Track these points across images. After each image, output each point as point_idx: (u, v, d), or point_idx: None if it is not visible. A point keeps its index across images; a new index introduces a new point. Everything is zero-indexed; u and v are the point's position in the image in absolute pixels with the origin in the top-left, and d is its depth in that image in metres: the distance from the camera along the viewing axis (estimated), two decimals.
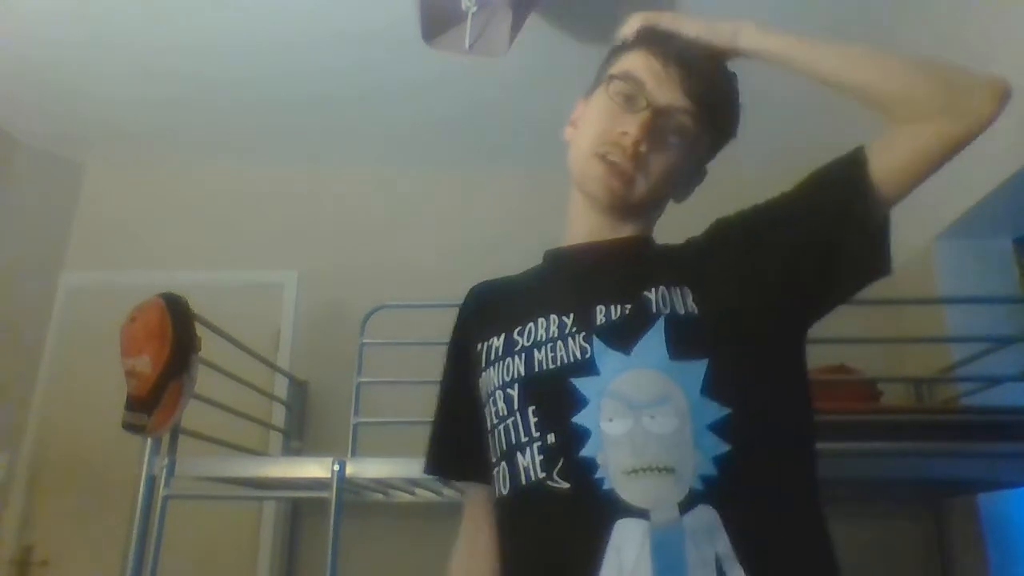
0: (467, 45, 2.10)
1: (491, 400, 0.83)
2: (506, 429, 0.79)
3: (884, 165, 0.88)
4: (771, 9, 2.30)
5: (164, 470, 1.85)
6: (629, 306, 0.79)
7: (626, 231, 0.90)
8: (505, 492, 0.78)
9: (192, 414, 1.92)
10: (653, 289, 0.79)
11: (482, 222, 3.06)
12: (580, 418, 0.73)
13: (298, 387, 2.88)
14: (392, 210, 3.21)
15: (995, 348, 2.25)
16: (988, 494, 2.46)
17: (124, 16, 2.36)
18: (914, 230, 2.87)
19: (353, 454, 2.22)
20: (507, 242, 2.19)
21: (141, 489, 1.84)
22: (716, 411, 0.72)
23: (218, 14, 2.35)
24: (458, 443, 0.92)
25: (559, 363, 0.77)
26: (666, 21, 0.90)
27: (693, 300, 0.78)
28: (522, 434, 0.77)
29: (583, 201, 0.90)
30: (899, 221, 3.24)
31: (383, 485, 2.31)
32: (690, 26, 0.89)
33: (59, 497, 2.81)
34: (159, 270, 2.99)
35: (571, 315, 0.80)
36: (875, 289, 3.17)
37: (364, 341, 2.44)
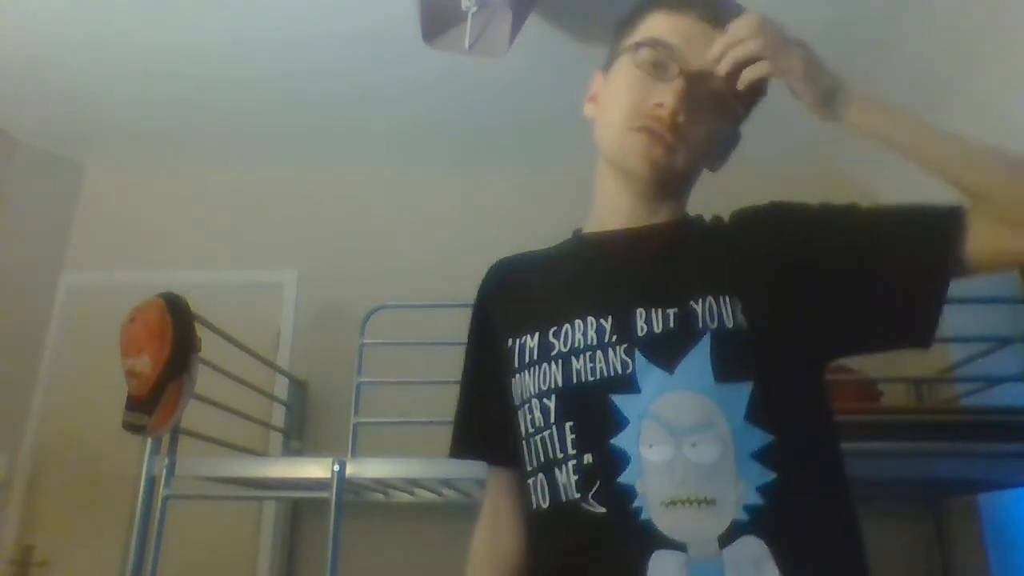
0: (467, 45, 2.10)
1: (527, 407, 0.79)
2: (543, 441, 0.76)
3: (978, 247, 0.75)
4: (769, 6, 2.30)
5: (164, 470, 1.86)
6: (673, 312, 0.74)
7: (663, 211, 0.85)
8: (545, 506, 0.75)
9: (192, 414, 1.92)
10: (700, 300, 0.74)
11: (482, 222, 3.06)
12: (619, 440, 0.70)
13: (298, 387, 2.88)
14: (392, 210, 3.21)
15: (995, 348, 2.25)
16: (988, 494, 2.46)
17: (124, 16, 2.35)
18: None
19: (353, 454, 2.22)
20: (507, 242, 2.19)
21: (141, 489, 1.84)
22: (760, 438, 0.69)
23: (218, 14, 2.35)
24: (485, 425, 0.88)
25: (599, 376, 0.73)
26: (773, 37, 0.79)
27: (742, 311, 0.73)
28: (559, 450, 0.74)
29: (617, 179, 0.85)
30: None
31: (383, 485, 2.31)
32: (794, 55, 0.80)
33: (59, 497, 2.81)
34: (159, 270, 2.99)
35: (609, 318, 0.76)
36: None
37: (364, 341, 2.44)
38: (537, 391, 0.77)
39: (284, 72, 2.65)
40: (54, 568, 2.72)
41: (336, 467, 1.88)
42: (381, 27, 2.36)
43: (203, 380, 1.94)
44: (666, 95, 0.77)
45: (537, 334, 0.79)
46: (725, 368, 0.70)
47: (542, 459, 0.76)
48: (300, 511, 2.77)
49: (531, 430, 0.78)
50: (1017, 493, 2.40)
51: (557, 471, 0.73)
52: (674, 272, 0.79)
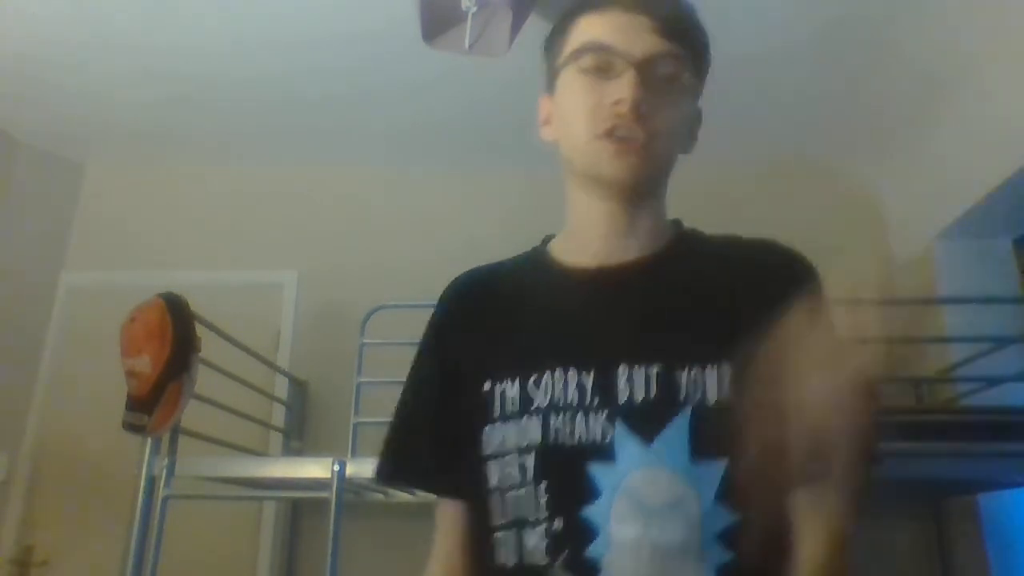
0: (467, 45, 2.10)
1: (502, 460, 0.76)
2: (516, 500, 0.74)
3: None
4: (771, 6, 2.30)
5: (164, 470, 1.86)
6: (656, 372, 0.72)
7: (644, 214, 0.81)
8: (510, 565, 0.74)
9: (192, 414, 1.92)
10: (685, 368, 0.72)
11: (482, 222, 3.06)
12: (590, 512, 0.70)
13: (298, 387, 2.88)
14: (392, 210, 3.21)
15: (995, 348, 2.25)
16: (988, 494, 2.46)
17: (124, 16, 2.35)
18: (914, 230, 2.88)
19: (353, 454, 2.22)
20: (507, 242, 2.19)
21: (141, 489, 1.84)
22: (726, 518, 0.68)
23: (218, 15, 2.35)
24: (441, 452, 0.83)
25: (577, 441, 0.72)
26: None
27: (730, 382, 0.71)
28: (531, 511, 0.73)
29: (591, 191, 0.80)
30: (899, 221, 3.26)
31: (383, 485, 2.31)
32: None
33: (59, 497, 2.81)
34: (159, 270, 2.99)
35: (591, 374, 0.73)
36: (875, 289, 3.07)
37: (364, 341, 2.44)
38: (516, 447, 0.75)
39: (284, 72, 2.65)
40: (54, 568, 2.72)
41: (336, 467, 1.88)
42: (381, 27, 2.36)
43: (203, 380, 1.94)
44: (621, 91, 0.74)
45: (517, 382, 0.76)
46: (703, 445, 0.70)
47: (512, 517, 0.74)
48: (300, 511, 2.77)
49: (504, 485, 0.75)
50: (1017, 493, 2.40)
51: (527, 532, 0.73)
52: (661, 327, 0.75)
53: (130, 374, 1.79)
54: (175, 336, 1.81)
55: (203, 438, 2.03)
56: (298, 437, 2.82)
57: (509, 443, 0.75)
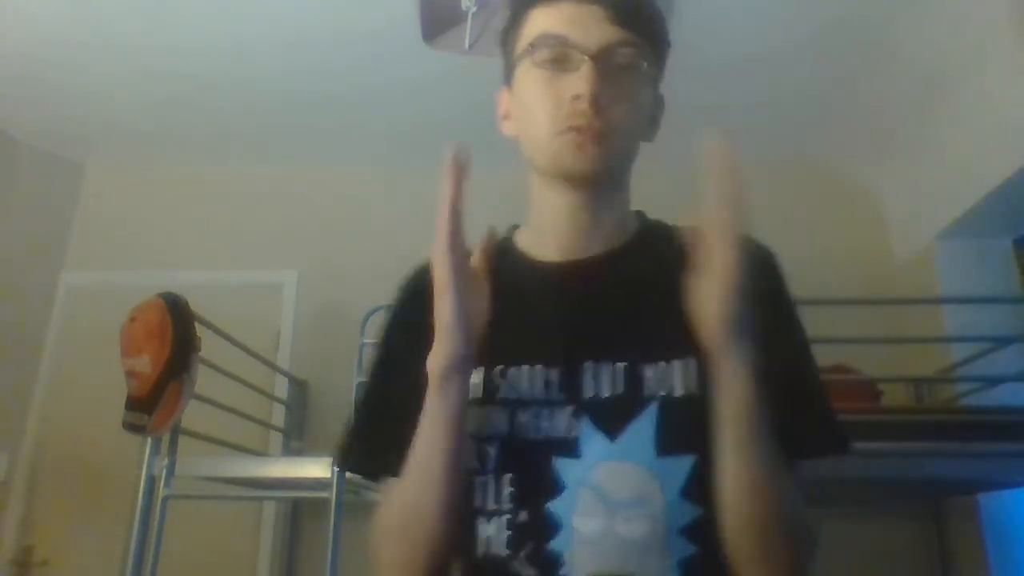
0: (467, 45, 2.10)
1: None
2: (474, 487, 0.73)
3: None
4: (771, 5, 2.30)
5: (164, 470, 1.86)
6: (623, 367, 0.73)
7: (609, 207, 0.81)
8: (467, 554, 0.73)
9: (192, 414, 1.92)
10: (651, 363, 0.72)
11: (482, 222, 3.06)
12: (555, 505, 0.70)
13: (298, 387, 2.88)
14: (392, 210, 3.20)
15: (995, 348, 2.25)
16: (988, 494, 2.46)
17: (124, 16, 2.36)
18: (914, 230, 2.88)
19: None
20: None
21: (141, 489, 1.84)
22: (689, 512, 0.68)
23: (218, 15, 2.35)
24: (401, 442, 0.77)
25: (543, 435, 0.72)
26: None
27: (696, 376, 0.71)
28: (492, 501, 0.72)
29: (555, 186, 0.80)
30: (899, 221, 3.26)
31: None
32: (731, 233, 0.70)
33: (59, 497, 2.81)
34: (159, 270, 2.99)
35: (557, 370, 0.74)
36: (875, 289, 3.18)
37: (364, 341, 2.44)
38: (479, 434, 0.74)
39: (284, 72, 2.65)
40: (54, 568, 2.72)
41: (336, 467, 1.88)
42: (381, 27, 2.36)
43: (203, 380, 1.94)
44: (579, 85, 0.73)
45: (482, 370, 0.75)
46: (669, 440, 0.70)
47: (470, 505, 0.73)
48: (300, 511, 2.77)
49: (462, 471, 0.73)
50: (1017, 493, 2.40)
51: (484, 522, 0.72)
52: (627, 322, 0.76)
53: (130, 374, 1.79)
54: (175, 336, 1.81)
55: (203, 438, 2.03)
56: (298, 437, 2.82)
57: (470, 429, 0.73)
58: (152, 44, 2.49)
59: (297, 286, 3.11)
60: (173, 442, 1.91)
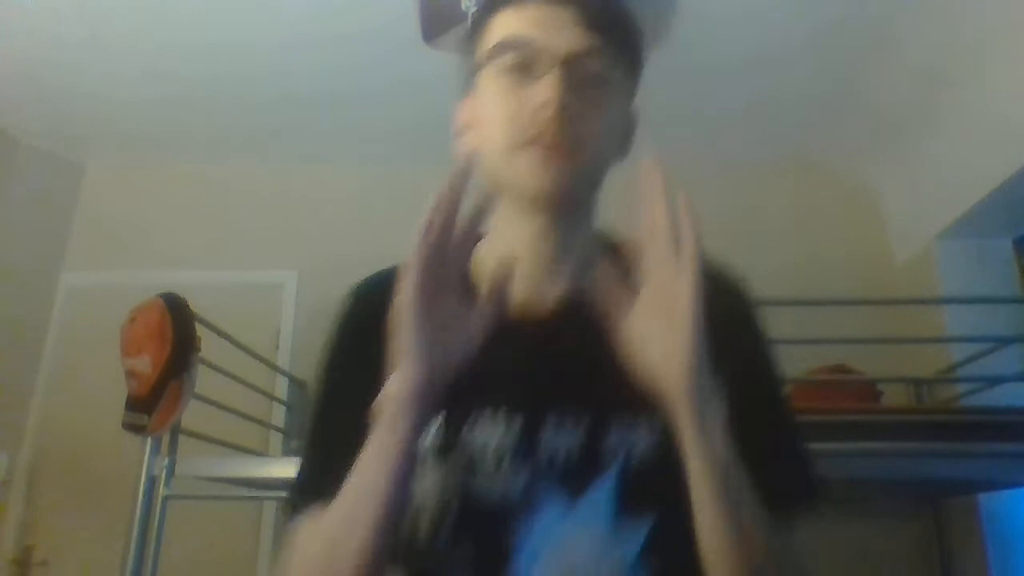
0: None
1: (418, 509, 0.68)
2: (421, 551, 0.68)
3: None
4: (771, 6, 2.30)
5: (164, 470, 1.85)
6: (586, 422, 0.68)
7: (575, 236, 0.73)
8: None
9: (192, 414, 1.92)
10: (616, 420, 0.68)
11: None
12: (511, 570, 0.66)
13: (298, 387, 2.88)
14: (392, 210, 3.20)
15: (995, 348, 2.25)
16: (988, 494, 2.46)
17: (124, 16, 2.36)
18: (914, 230, 2.88)
19: None
20: None
21: (141, 489, 1.84)
22: (651, 574, 0.66)
23: (218, 14, 2.35)
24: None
25: (500, 497, 0.67)
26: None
27: (661, 434, 0.66)
28: (445, 566, 0.67)
29: (516, 208, 0.71)
30: (899, 221, 3.26)
31: None
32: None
33: (59, 497, 2.81)
34: (159, 270, 2.99)
35: (518, 422, 0.68)
36: (875, 289, 3.18)
37: None
38: (438, 495, 0.68)
39: (284, 72, 2.65)
40: (54, 568, 2.72)
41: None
42: (381, 27, 2.36)
43: (203, 380, 1.94)
44: (545, 92, 0.66)
45: (441, 418, 0.69)
46: (631, 501, 0.66)
47: (418, 567, 0.68)
48: None
49: (414, 532, 0.68)
50: (1017, 493, 2.40)
51: None
52: (591, 377, 0.69)
53: (130, 374, 1.79)
54: (175, 336, 1.81)
55: (203, 438, 2.03)
56: (298, 437, 2.82)
57: (430, 489, 0.68)
58: (152, 44, 2.49)
59: (297, 286, 3.11)
60: (173, 442, 1.90)
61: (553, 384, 0.70)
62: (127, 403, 1.79)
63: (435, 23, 2.12)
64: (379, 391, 0.64)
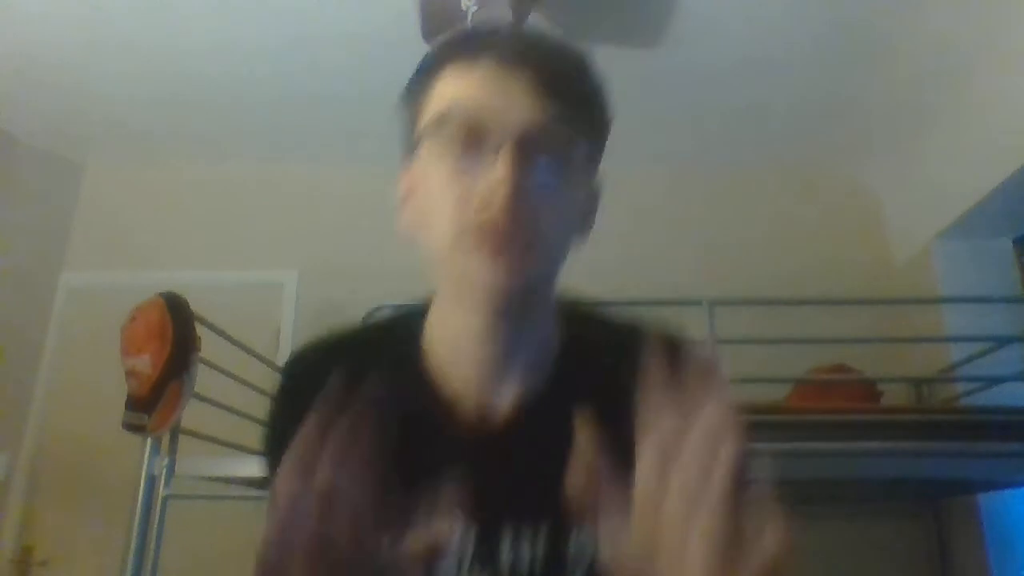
0: None
1: None
2: None
3: None
4: (769, 13, 2.30)
5: (164, 470, 1.85)
6: (544, 531, 0.64)
7: (528, 333, 0.66)
8: None
9: (192, 414, 1.92)
10: (575, 530, 0.64)
11: None
12: None
13: None
14: (392, 210, 3.19)
15: (995, 348, 2.25)
16: (988, 494, 2.46)
17: (124, 16, 2.36)
18: (914, 230, 2.88)
19: None
20: None
21: (141, 489, 1.84)
22: None
23: (218, 14, 2.35)
24: None
25: None
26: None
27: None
28: None
29: (462, 302, 0.63)
30: (899, 221, 3.27)
31: None
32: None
33: (59, 497, 2.81)
34: (159, 270, 2.99)
35: (472, 534, 0.64)
36: (875, 289, 3.18)
37: None
38: None
39: (284, 72, 2.65)
40: (54, 568, 2.72)
41: None
42: (381, 27, 2.37)
43: (203, 380, 1.94)
44: (496, 173, 0.57)
45: (395, 535, 0.64)
46: None
47: None
48: None
49: None
50: (1017, 493, 2.40)
51: None
52: (549, 484, 0.62)
53: (130, 374, 1.79)
54: (175, 336, 1.81)
55: (203, 438, 2.03)
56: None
57: None
58: (152, 44, 2.49)
59: (297, 286, 3.11)
60: (173, 442, 1.90)
61: (509, 494, 0.64)
62: (127, 403, 1.79)
63: (435, 23, 2.12)
64: None
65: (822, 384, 2.31)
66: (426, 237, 0.64)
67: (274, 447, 0.71)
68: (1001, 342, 2.25)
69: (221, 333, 2.09)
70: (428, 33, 2.14)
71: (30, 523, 2.80)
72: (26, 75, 2.68)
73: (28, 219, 3.07)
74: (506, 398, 0.66)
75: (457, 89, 0.61)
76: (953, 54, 2.38)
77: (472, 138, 0.60)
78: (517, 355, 0.65)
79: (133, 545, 1.78)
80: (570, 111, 0.60)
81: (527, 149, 0.58)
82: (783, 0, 2.23)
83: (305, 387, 0.67)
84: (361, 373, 0.64)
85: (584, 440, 0.55)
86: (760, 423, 1.99)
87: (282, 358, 2.95)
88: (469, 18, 2.06)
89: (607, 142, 0.66)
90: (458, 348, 0.65)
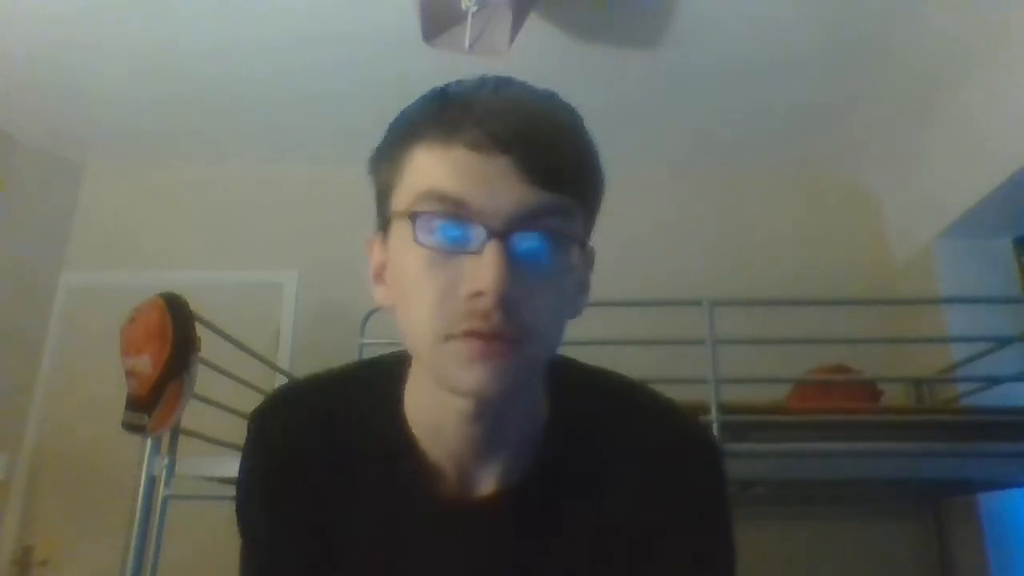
0: (467, 45, 2.10)
1: None
2: None
3: None
4: (769, 13, 2.30)
5: (164, 470, 1.85)
6: None
7: (512, 416, 0.62)
8: None
9: (192, 414, 1.92)
10: None
11: None
12: None
13: None
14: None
15: (995, 348, 2.25)
16: (988, 494, 2.46)
17: (124, 16, 2.35)
18: (914, 230, 2.88)
19: None
20: None
21: (141, 489, 1.84)
22: None
23: (218, 13, 2.35)
24: None
25: None
26: None
27: None
28: None
29: (444, 390, 0.58)
30: (899, 221, 3.28)
31: None
32: None
33: (59, 497, 2.81)
34: (159, 270, 2.99)
35: None
36: (875, 289, 3.20)
37: (364, 341, 2.43)
38: None
39: (284, 71, 2.65)
40: (54, 568, 2.72)
41: None
42: (382, 26, 2.36)
43: (203, 380, 1.94)
44: (480, 276, 0.52)
45: None
46: None
47: None
48: None
49: None
50: (1017, 493, 2.40)
51: None
52: (529, 565, 0.64)
53: (130, 374, 1.79)
54: (175, 336, 1.81)
55: (203, 438, 2.03)
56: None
57: None
58: (152, 44, 2.49)
59: (297, 286, 3.11)
60: (173, 442, 1.90)
61: (491, 561, 0.63)
62: (127, 403, 1.79)
63: (435, 23, 2.12)
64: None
65: (822, 384, 2.31)
66: (404, 323, 0.58)
67: (247, 504, 0.70)
68: (1001, 342, 2.25)
69: (221, 333, 2.09)
70: (428, 33, 2.14)
71: (30, 523, 2.80)
72: (26, 75, 2.68)
73: (28, 219, 3.07)
74: (490, 472, 0.63)
75: (433, 173, 0.55)
76: (953, 54, 2.38)
77: (453, 226, 0.54)
78: (502, 433, 0.62)
79: (133, 545, 1.78)
80: (562, 197, 0.55)
81: (514, 245, 0.53)
82: (783, 1, 2.23)
83: (280, 440, 0.67)
84: (337, 430, 0.65)
85: None
86: (760, 423, 1.99)
87: (282, 358, 2.97)
88: (469, 19, 2.06)
89: (601, 203, 0.61)
90: (439, 424, 0.61)
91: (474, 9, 2.04)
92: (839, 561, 2.59)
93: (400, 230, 0.58)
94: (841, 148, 3.06)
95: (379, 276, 0.64)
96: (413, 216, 0.55)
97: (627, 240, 2.84)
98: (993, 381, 2.27)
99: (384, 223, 0.62)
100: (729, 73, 2.56)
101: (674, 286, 2.61)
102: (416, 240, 0.55)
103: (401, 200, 0.58)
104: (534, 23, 2.23)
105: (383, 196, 0.62)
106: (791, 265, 2.97)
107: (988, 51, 2.28)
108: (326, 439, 0.66)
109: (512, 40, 2.13)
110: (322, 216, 3.20)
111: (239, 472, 0.71)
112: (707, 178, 3.17)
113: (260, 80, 2.70)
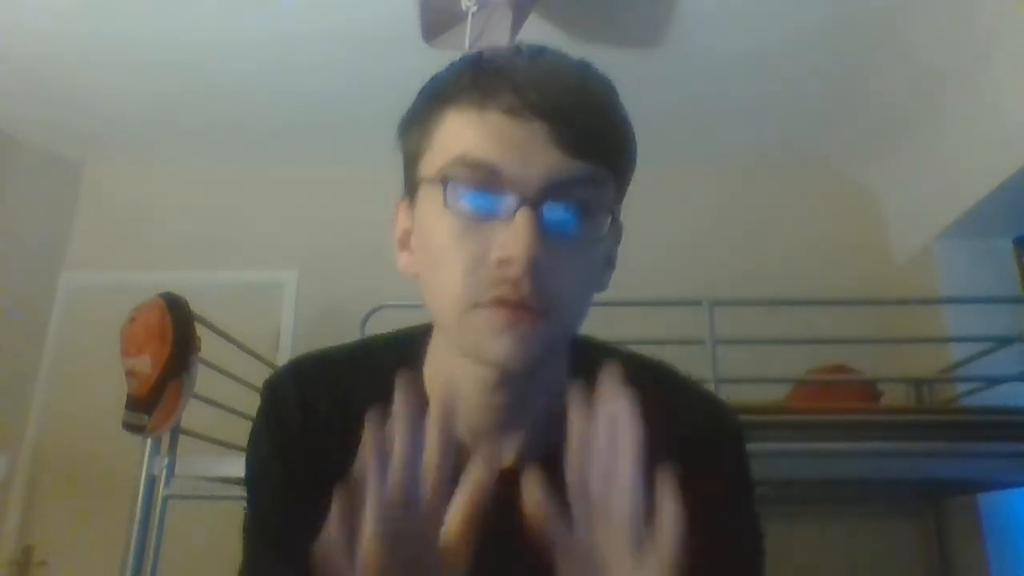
0: (467, 45, 2.10)
1: None
2: None
3: None
4: (774, 4, 2.30)
5: (164, 470, 1.85)
6: None
7: (537, 390, 0.62)
8: None
9: (192, 414, 1.92)
10: None
11: None
12: None
13: None
14: (392, 210, 3.20)
15: (995, 348, 2.25)
16: (988, 494, 2.46)
17: (124, 14, 2.36)
18: (914, 230, 2.88)
19: None
20: None
21: (141, 489, 1.84)
22: None
23: (218, 13, 2.35)
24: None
25: None
26: None
27: None
28: None
29: (469, 358, 0.58)
30: (899, 221, 3.28)
31: None
32: None
33: (59, 497, 2.81)
34: (159, 270, 2.99)
35: None
36: (875, 289, 3.20)
37: None
38: None
39: (284, 71, 2.65)
40: (54, 568, 2.72)
41: None
42: (382, 26, 2.37)
43: (203, 380, 1.94)
44: (510, 242, 0.52)
45: None
46: None
47: None
48: None
49: None
50: (1017, 493, 2.40)
51: None
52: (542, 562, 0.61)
53: (130, 374, 1.79)
54: (175, 336, 1.81)
55: (203, 438, 2.03)
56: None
57: None
58: (152, 44, 2.49)
59: (297, 286, 3.11)
60: (173, 442, 1.90)
61: (501, 550, 0.59)
62: (127, 403, 1.79)
63: (435, 23, 2.12)
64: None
65: (822, 384, 2.31)
66: (430, 290, 0.59)
67: (259, 467, 0.67)
68: (1001, 342, 2.25)
69: (221, 333, 2.09)
70: (428, 33, 2.14)
71: (30, 523, 2.80)
72: (26, 75, 2.68)
73: (28, 219, 3.07)
74: (510, 447, 0.63)
75: (465, 139, 0.55)
76: (954, 54, 2.38)
77: (484, 193, 0.54)
78: (523, 406, 0.62)
79: (133, 545, 1.78)
80: (595, 166, 0.55)
81: (545, 213, 0.53)
82: (783, 2, 2.24)
83: (293, 408, 0.65)
84: (353, 399, 0.62)
85: (531, 499, 0.52)
86: (760, 423, 1.99)
87: (282, 358, 2.96)
88: (469, 19, 2.06)
89: (632, 176, 0.61)
90: (458, 394, 0.58)
91: (474, 9, 2.05)
92: (839, 561, 2.59)
93: (429, 195, 0.57)
94: (841, 148, 3.06)
95: (404, 243, 0.64)
96: (444, 182, 0.55)
97: (626, 239, 2.82)
98: (993, 381, 2.27)
99: (412, 189, 0.61)
100: (728, 73, 2.56)
101: (674, 286, 2.61)
102: (447, 206, 0.54)
103: (431, 165, 0.57)
104: (534, 23, 2.23)
105: (411, 161, 0.61)
106: (791, 265, 2.97)
107: (990, 51, 2.28)
108: (341, 407, 0.65)
109: (512, 40, 2.13)
110: (322, 216, 3.20)
111: (250, 442, 0.69)
112: (707, 177, 3.17)
113: (261, 80, 2.70)
